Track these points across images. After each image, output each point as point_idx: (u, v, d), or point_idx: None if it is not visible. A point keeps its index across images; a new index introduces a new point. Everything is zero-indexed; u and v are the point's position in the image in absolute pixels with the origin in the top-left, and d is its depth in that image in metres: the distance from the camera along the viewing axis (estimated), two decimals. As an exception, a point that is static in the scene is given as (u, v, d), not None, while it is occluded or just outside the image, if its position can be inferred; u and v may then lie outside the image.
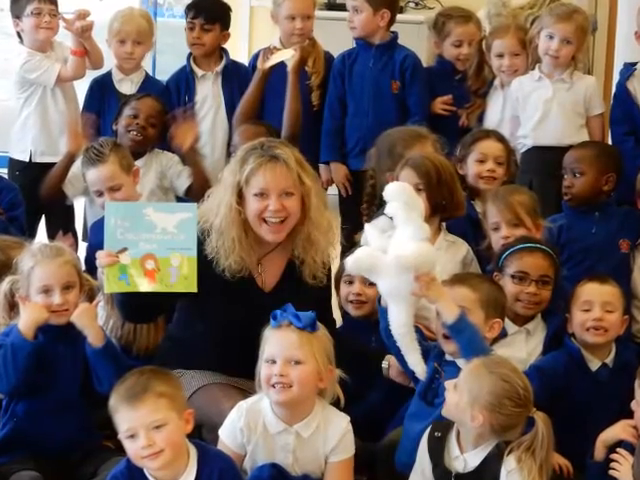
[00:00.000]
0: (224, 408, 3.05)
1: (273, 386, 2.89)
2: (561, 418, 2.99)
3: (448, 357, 3.14)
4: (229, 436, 2.96)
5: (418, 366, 3.16)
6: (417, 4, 7.27)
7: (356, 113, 4.76)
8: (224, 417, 2.99)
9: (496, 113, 4.66)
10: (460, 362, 3.05)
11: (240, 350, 3.10)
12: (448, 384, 2.90)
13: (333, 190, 4.94)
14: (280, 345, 2.90)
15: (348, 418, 2.99)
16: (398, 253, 3.02)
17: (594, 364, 3.32)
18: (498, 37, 4.66)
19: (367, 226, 3.21)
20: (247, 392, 3.14)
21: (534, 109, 4.47)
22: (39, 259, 3.22)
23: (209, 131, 4.77)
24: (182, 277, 3.20)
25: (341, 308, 3.75)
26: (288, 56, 4.54)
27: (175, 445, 2.69)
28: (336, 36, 5.17)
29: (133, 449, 2.68)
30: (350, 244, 3.57)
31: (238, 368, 3.21)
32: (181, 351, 3.35)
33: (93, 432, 3.27)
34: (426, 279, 3.04)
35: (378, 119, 4.65)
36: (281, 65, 4.55)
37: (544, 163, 4.39)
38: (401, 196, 3.10)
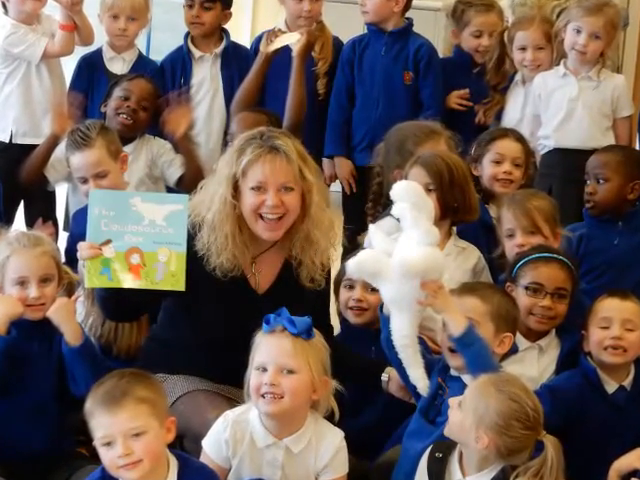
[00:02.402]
0: (209, 417, 3.05)
1: (263, 396, 2.88)
2: (573, 443, 2.99)
3: (453, 372, 3.14)
4: (213, 448, 2.96)
5: (420, 381, 3.16)
6: (435, -11, 7.27)
7: (365, 104, 4.77)
8: (208, 427, 2.99)
9: (516, 111, 4.67)
10: (466, 378, 3.05)
11: (229, 355, 3.10)
12: (452, 401, 2.90)
13: (336, 187, 4.94)
14: (272, 352, 2.90)
15: (342, 434, 2.99)
16: (404, 258, 3.02)
17: (611, 386, 3.32)
18: (521, 29, 4.67)
19: (371, 227, 3.21)
20: (234, 401, 3.14)
21: (557, 108, 4.48)
22: (15, 248, 3.22)
23: (205, 117, 4.78)
24: (169, 274, 3.20)
25: (340, 314, 3.75)
26: (293, 40, 4.53)
27: (154, 455, 2.69)
28: (346, 20, 5.18)
29: (109, 457, 2.67)
30: (352, 246, 3.57)
31: (226, 375, 3.22)
32: (165, 354, 3.35)
33: (66, 437, 3.27)
34: (433, 287, 3.04)
35: (388, 112, 4.66)
36: (286, 49, 4.55)
37: (566, 167, 4.40)
38: (409, 196, 3.10)
